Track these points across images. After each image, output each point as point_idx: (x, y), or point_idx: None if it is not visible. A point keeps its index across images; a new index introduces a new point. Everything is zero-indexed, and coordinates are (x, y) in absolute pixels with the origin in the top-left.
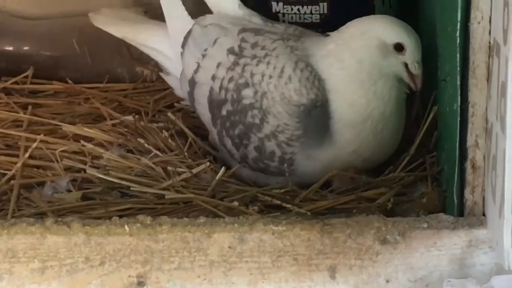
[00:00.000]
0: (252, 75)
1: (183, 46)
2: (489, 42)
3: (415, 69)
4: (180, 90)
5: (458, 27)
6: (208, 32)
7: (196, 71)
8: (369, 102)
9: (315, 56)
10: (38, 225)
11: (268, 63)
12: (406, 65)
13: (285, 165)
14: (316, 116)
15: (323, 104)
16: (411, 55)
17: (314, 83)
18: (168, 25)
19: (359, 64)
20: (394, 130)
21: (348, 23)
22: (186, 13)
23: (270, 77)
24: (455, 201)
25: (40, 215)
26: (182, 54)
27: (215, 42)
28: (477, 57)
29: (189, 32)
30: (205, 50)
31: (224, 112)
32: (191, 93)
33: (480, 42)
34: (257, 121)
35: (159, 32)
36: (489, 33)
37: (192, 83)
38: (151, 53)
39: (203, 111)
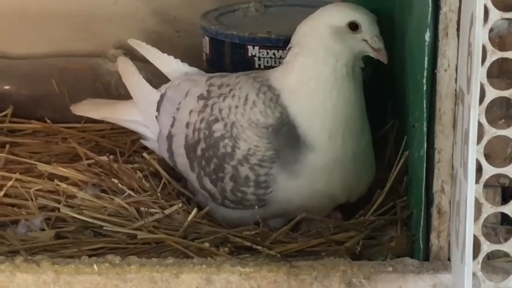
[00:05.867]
0: (220, 110)
1: (158, 109)
2: (456, 90)
3: (376, 43)
4: (159, 151)
5: (425, 74)
6: (180, 88)
7: (172, 125)
8: (328, 106)
9: (272, 79)
10: (8, 263)
11: (233, 96)
12: (366, 41)
13: (261, 188)
14: (286, 133)
15: (290, 120)
16: (368, 30)
17: (278, 101)
18: (139, 101)
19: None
20: (358, 113)
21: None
22: (151, 87)
23: (236, 107)
24: (421, 245)
25: (13, 253)
26: (157, 117)
27: (186, 94)
28: (444, 104)
29: (163, 95)
30: (179, 103)
31: (199, 152)
32: (169, 149)
33: (446, 90)
34: (229, 149)
35: (132, 106)
36: (456, 80)
37: (169, 138)
38: (130, 125)
39: (181, 161)
